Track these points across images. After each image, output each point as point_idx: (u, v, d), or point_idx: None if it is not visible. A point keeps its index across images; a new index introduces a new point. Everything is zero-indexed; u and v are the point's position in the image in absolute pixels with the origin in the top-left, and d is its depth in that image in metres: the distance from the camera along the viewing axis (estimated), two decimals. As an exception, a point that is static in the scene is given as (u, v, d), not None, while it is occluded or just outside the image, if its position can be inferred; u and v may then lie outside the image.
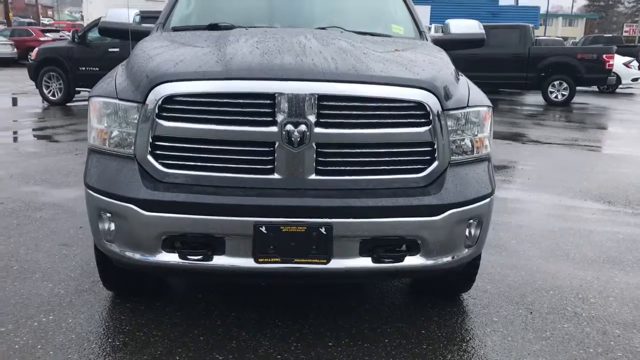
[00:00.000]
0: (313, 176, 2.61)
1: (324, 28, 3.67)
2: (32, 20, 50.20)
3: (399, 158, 2.67)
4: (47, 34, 26.03)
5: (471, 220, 2.77)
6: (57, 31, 28.89)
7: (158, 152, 2.64)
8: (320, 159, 2.60)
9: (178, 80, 2.59)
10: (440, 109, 2.66)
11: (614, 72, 16.08)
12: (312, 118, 2.54)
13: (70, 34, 13.79)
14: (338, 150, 2.61)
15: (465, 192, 2.72)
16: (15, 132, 9.40)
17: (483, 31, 4.21)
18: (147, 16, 5.21)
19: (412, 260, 2.69)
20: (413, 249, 2.68)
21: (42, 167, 6.68)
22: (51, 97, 12.58)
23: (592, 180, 6.82)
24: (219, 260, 2.62)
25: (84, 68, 12.18)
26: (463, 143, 2.80)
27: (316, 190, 2.62)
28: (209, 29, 3.66)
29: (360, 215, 2.57)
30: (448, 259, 2.75)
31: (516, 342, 3.04)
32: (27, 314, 3.17)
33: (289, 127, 2.53)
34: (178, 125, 2.59)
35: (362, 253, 2.64)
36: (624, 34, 53.71)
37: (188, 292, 3.51)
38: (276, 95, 2.53)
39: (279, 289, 3.50)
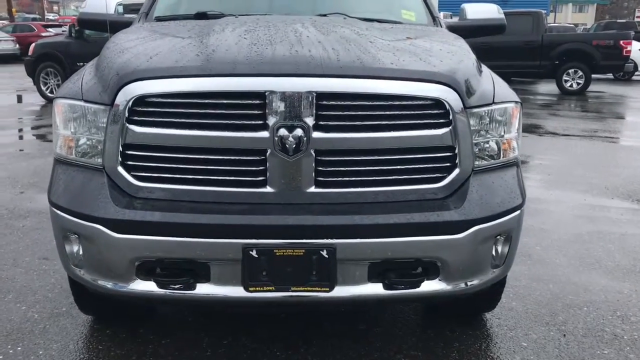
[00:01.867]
0: (312, 189, 2.21)
1: (325, 15, 3.26)
2: (37, 16, 49.91)
3: (414, 165, 2.26)
4: (50, 29, 25.63)
5: (499, 237, 2.36)
6: (60, 26, 28.48)
7: (130, 162, 2.24)
8: (320, 168, 2.19)
9: (151, 78, 2.19)
10: (462, 107, 2.24)
11: (631, 59, 15.48)
12: (309, 120, 2.13)
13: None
14: (342, 158, 2.21)
15: (492, 205, 2.31)
16: (8, 131, 9.04)
17: (503, 16, 3.79)
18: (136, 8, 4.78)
19: (431, 286, 2.28)
20: (431, 273, 2.27)
21: (32, 169, 6.31)
22: (49, 94, 12.17)
23: (617, 176, 6.37)
24: (203, 289, 2.23)
25: (81, 63, 11.76)
26: (488, 146, 2.39)
27: (316, 205, 2.22)
28: (195, 18, 3.25)
29: (368, 235, 2.17)
30: (473, 282, 2.35)
31: (551, 374, 2.64)
32: (-7, 345, 2.80)
33: (283, 131, 2.12)
34: (152, 131, 2.19)
35: (372, 278, 2.24)
36: (636, 19, 52.63)
37: (176, 316, 3.12)
38: (267, 93, 2.12)
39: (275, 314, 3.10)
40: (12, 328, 2.95)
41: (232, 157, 2.19)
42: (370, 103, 2.18)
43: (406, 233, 2.19)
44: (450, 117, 2.22)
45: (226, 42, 2.39)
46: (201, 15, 3.25)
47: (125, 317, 3.01)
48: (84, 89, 2.35)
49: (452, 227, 2.21)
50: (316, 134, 2.14)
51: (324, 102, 2.14)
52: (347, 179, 2.23)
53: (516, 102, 2.50)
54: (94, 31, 11.18)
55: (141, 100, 2.18)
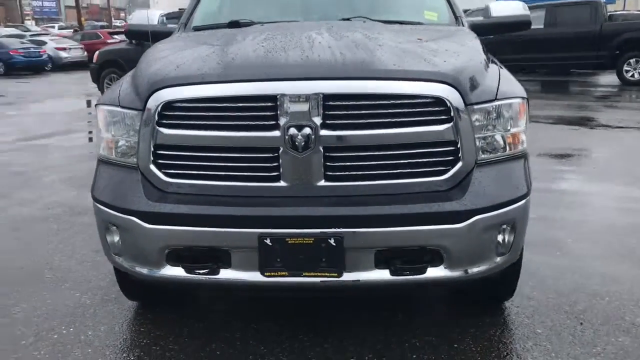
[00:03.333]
0: (322, 182, 2.40)
1: (348, 19, 3.45)
2: (105, 23, 52.03)
3: (418, 160, 2.41)
4: (115, 37, 26.79)
5: (503, 226, 2.48)
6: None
7: (160, 161, 2.50)
8: (328, 163, 2.39)
9: (177, 85, 2.44)
10: (463, 104, 2.38)
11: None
12: (317, 120, 2.33)
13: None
14: (348, 154, 2.39)
15: (493, 195, 2.43)
16: (76, 135, 9.63)
17: (528, 12, 3.85)
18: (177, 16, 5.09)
19: (435, 272, 2.44)
20: (436, 260, 2.43)
21: (91, 170, 6.75)
22: (113, 99, 12.81)
23: (666, 168, 6.25)
24: (226, 274, 2.47)
25: (142, 69, 12.34)
26: (493, 140, 2.51)
27: (326, 197, 2.41)
28: (229, 26, 3.50)
29: (373, 224, 2.34)
30: (478, 269, 2.48)
31: (560, 358, 2.73)
32: (50, 326, 3.13)
33: (292, 130, 2.33)
34: (179, 133, 2.45)
35: (378, 265, 2.41)
36: None
37: (211, 302, 3.39)
38: (278, 96, 2.33)
39: (300, 300, 3.31)
40: (66, 312, 3.28)
41: (249, 155, 2.41)
42: (373, 102, 2.35)
43: (409, 223, 2.35)
44: (452, 113, 2.37)
45: (244, 50, 2.62)
46: (233, 24, 3.49)
47: (166, 303, 3.28)
48: (121, 96, 2.63)
49: (454, 217, 2.36)
50: (323, 132, 2.34)
51: (331, 103, 2.33)
52: (355, 173, 2.40)
53: (522, 97, 2.61)
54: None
55: (169, 105, 2.43)
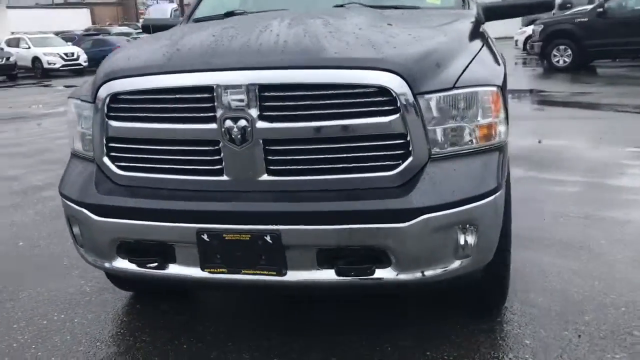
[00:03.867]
0: (265, 177, 2.30)
1: (342, 5, 3.30)
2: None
3: (365, 154, 2.25)
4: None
5: (462, 226, 2.27)
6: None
7: (113, 153, 2.50)
8: (270, 157, 2.28)
9: (122, 77, 2.43)
10: (410, 93, 2.19)
11: None
12: (253, 112, 2.23)
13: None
14: (290, 147, 2.27)
15: (446, 193, 2.22)
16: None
17: (550, -8, 3.51)
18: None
19: (384, 274, 2.27)
20: (383, 261, 2.26)
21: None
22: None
23: None
24: (173, 269, 2.43)
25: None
26: (453, 132, 2.30)
27: (268, 192, 2.31)
28: (225, 17, 3.46)
29: (311, 221, 2.22)
30: (434, 272, 2.29)
31: (537, 375, 2.47)
32: (44, 312, 3.25)
33: (229, 123, 2.24)
34: (127, 125, 2.43)
35: (322, 265, 2.28)
36: None
37: (200, 296, 3.38)
38: (214, 87, 2.25)
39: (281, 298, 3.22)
40: (65, 299, 3.40)
41: (192, 148, 2.35)
42: (313, 93, 2.21)
43: (349, 220, 2.20)
44: (398, 104, 2.18)
45: (194, 40, 2.56)
46: (229, 14, 3.45)
47: (159, 294, 3.31)
48: (83, 89, 2.66)
49: (397, 215, 2.18)
50: (261, 124, 2.23)
51: (268, 94, 2.22)
52: (298, 167, 2.28)
53: (493, 85, 2.37)
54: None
55: (116, 97, 2.42)
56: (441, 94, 2.25)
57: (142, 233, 2.39)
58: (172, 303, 3.24)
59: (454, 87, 2.27)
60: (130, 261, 2.47)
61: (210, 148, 2.32)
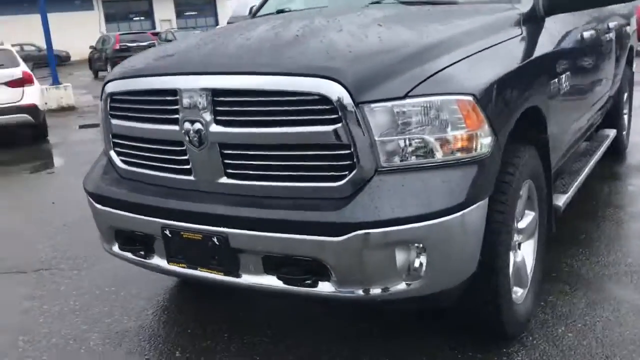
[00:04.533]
0: (224, 179, 2.36)
1: (379, 2, 3.20)
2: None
3: (313, 163, 2.20)
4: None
5: (406, 245, 2.11)
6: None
7: (117, 148, 2.74)
8: (226, 161, 2.33)
9: (117, 79, 2.65)
10: (351, 102, 2.08)
11: None
12: (207, 116, 2.29)
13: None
14: (243, 152, 2.30)
15: (383, 209, 2.09)
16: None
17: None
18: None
19: (327, 287, 2.21)
20: (324, 274, 2.20)
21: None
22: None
23: None
24: (155, 259, 2.61)
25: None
26: (410, 144, 2.14)
27: (225, 195, 2.36)
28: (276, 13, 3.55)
29: (255, 227, 2.23)
30: (376, 291, 2.17)
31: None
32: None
33: (187, 125, 2.34)
34: (120, 123, 2.66)
35: (268, 271, 2.29)
36: None
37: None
38: (177, 91, 2.36)
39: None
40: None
41: (166, 147, 2.49)
42: (260, 99, 2.21)
43: (288, 230, 2.17)
44: (339, 113, 2.09)
45: (182, 45, 2.69)
46: (279, 12, 3.54)
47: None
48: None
49: (332, 229, 2.11)
50: (214, 128, 2.29)
51: (221, 99, 2.27)
52: (252, 172, 2.30)
53: (465, 94, 2.15)
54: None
55: (112, 97, 2.65)
56: (390, 103, 2.11)
57: (126, 223, 2.60)
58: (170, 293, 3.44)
59: (406, 96, 2.11)
60: (121, 249, 2.68)
61: (179, 148, 2.43)
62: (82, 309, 3.33)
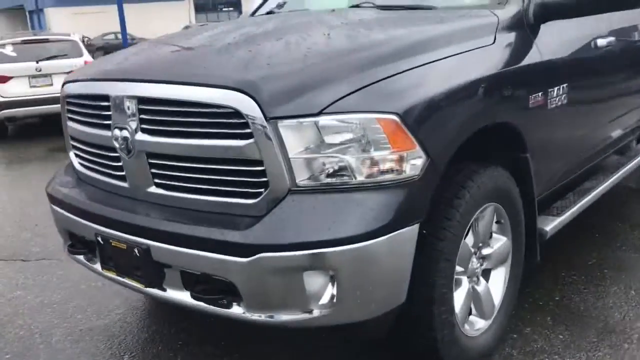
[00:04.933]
0: (153, 189, 2.31)
1: (357, 6, 3.05)
2: None
3: (230, 178, 2.11)
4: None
5: (314, 272, 1.98)
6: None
7: (75, 150, 2.75)
8: (153, 170, 2.28)
9: (71, 82, 2.65)
10: (262, 117, 1.96)
11: None
12: (133, 123, 2.25)
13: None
14: (168, 163, 2.23)
15: (288, 232, 1.97)
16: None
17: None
18: None
19: (238, 310, 2.12)
20: (236, 295, 2.10)
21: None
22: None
23: None
24: (97, 264, 2.59)
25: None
26: (326, 164, 2.00)
27: (155, 205, 2.31)
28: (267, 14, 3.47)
29: (171, 241, 2.16)
30: (287, 317, 2.06)
31: None
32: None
33: (117, 132, 2.30)
34: (72, 125, 2.67)
35: (187, 286, 2.22)
36: None
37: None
38: (110, 97, 2.32)
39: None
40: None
41: (104, 153, 2.47)
42: (180, 109, 2.14)
43: (200, 246, 2.09)
44: (251, 127, 1.98)
45: (132, 50, 2.66)
46: (270, 13, 3.46)
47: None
48: None
49: (238, 249, 2.00)
50: (140, 137, 2.24)
51: (146, 107, 2.22)
52: (178, 183, 2.24)
53: (389, 112, 1.98)
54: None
55: (66, 99, 2.66)
56: (304, 120, 1.97)
57: (72, 226, 2.60)
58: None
59: (321, 113, 1.96)
60: (70, 251, 2.69)
61: (114, 154, 2.40)
62: (61, 303, 3.40)
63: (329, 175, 2.00)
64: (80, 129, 2.58)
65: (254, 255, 1.96)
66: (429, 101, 2.09)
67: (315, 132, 1.97)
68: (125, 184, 2.40)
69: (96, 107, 2.43)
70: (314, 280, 1.99)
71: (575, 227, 3.77)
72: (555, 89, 2.79)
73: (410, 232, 2.06)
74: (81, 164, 2.70)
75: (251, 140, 1.99)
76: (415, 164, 2.04)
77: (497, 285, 2.67)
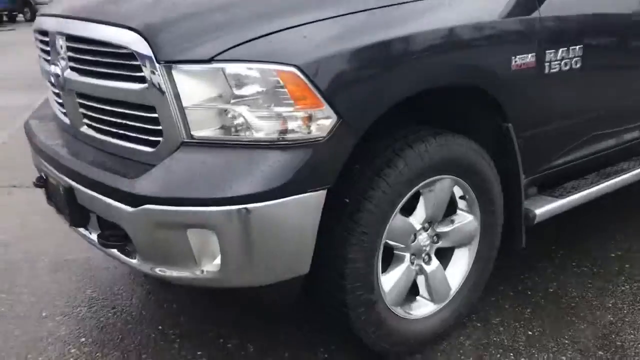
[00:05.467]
0: (84, 129, 2.28)
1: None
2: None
3: (135, 123, 2.02)
4: None
5: (199, 230, 1.85)
6: None
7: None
8: (82, 110, 2.24)
9: (40, 16, 2.63)
10: (154, 59, 1.83)
11: None
12: (62, 61, 2.21)
13: None
14: (92, 104, 2.18)
15: (172, 186, 1.85)
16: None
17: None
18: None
19: (134, 260, 2.06)
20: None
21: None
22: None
23: None
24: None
25: None
26: (220, 116, 1.85)
27: (85, 145, 2.28)
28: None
29: (84, 183, 2.12)
30: (172, 273, 1.97)
31: None
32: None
33: (52, 67, 2.29)
34: (39, 59, 2.66)
35: (101, 229, 2.18)
36: None
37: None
38: (48, 33, 2.30)
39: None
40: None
41: (52, 88, 2.47)
42: (94, 48, 2.05)
43: (102, 191, 2.02)
44: (143, 71, 1.86)
45: None
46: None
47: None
48: None
49: (127, 198, 1.92)
50: (68, 74, 2.20)
51: (71, 45, 2.16)
52: (100, 126, 2.19)
53: (288, 64, 1.77)
54: None
55: (34, 33, 2.66)
56: (196, 67, 1.82)
57: (33, 159, 2.65)
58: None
59: (212, 60, 1.79)
60: (35, 184, 2.71)
61: (58, 91, 2.39)
62: (51, 273, 3.22)
63: (224, 130, 1.84)
64: (40, 64, 2.59)
65: (140, 205, 1.87)
66: (341, 54, 1.83)
67: (212, 81, 1.81)
68: (67, 120, 2.40)
69: (43, 42, 2.42)
70: (199, 239, 1.87)
71: (607, 213, 3.34)
72: (563, 50, 2.39)
73: (312, 199, 1.86)
74: (50, 99, 2.73)
75: (144, 85, 1.87)
76: (322, 124, 1.82)
77: (457, 267, 2.39)
